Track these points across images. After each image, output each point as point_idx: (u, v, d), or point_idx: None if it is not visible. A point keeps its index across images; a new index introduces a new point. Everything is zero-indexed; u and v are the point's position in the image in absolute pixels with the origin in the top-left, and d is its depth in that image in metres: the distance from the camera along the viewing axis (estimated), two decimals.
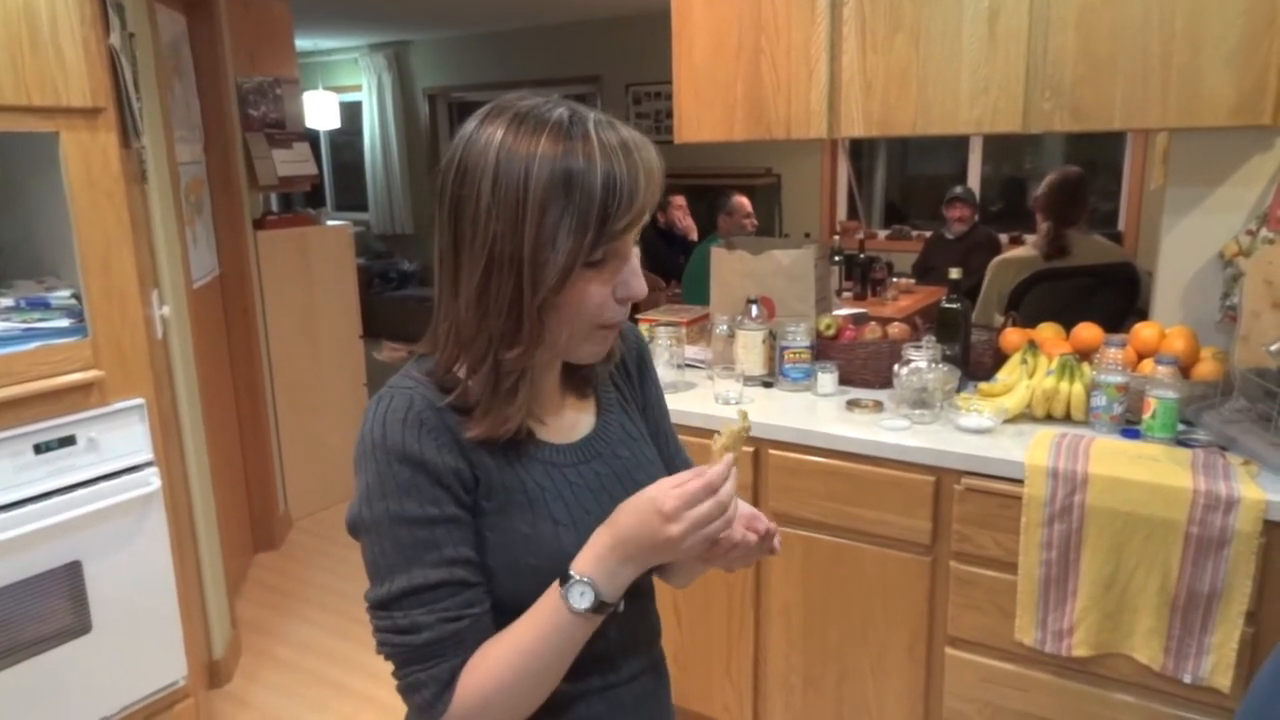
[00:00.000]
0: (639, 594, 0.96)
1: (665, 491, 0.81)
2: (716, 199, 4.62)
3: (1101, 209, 5.22)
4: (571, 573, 0.83)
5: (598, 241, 0.82)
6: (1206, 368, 1.90)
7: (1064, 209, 3.03)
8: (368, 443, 0.85)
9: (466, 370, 0.87)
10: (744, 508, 0.94)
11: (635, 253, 0.89)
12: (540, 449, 0.92)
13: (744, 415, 0.91)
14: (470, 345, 0.85)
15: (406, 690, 0.85)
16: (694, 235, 5.06)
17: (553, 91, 0.89)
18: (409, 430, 0.84)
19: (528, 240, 0.80)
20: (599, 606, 0.83)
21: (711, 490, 0.82)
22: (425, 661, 0.84)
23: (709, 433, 2.05)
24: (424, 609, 0.83)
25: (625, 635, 0.96)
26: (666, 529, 0.80)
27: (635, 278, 0.88)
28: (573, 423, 0.97)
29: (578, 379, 0.99)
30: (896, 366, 2.01)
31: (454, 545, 0.84)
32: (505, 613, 0.87)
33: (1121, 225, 5.16)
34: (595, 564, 0.83)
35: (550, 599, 0.84)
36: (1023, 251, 3.17)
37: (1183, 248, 2.10)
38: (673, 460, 1.09)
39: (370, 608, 0.86)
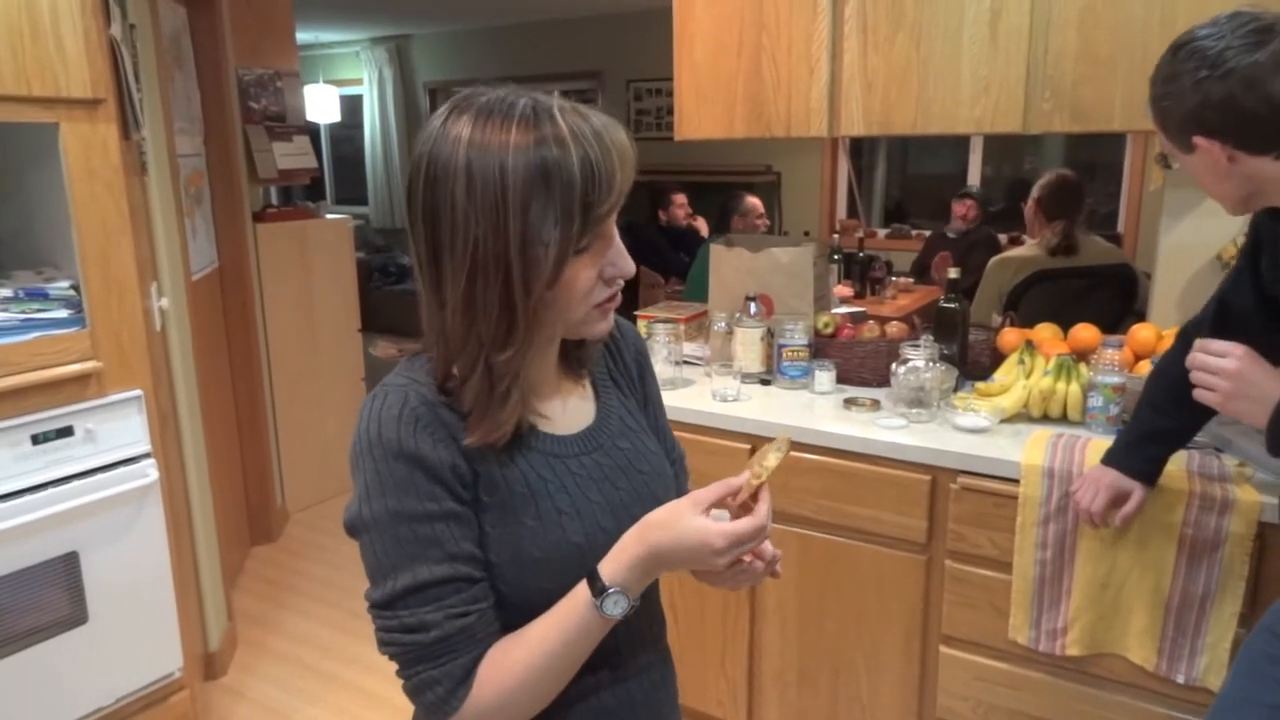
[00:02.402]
0: (646, 591, 0.97)
1: (718, 532, 0.84)
2: (728, 200, 4.57)
3: (1101, 210, 5.22)
4: (605, 582, 0.84)
5: (584, 229, 0.82)
6: None
7: (1069, 208, 3.04)
8: (364, 441, 0.85)
9: (459, 377, 0.87)
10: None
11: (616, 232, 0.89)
12: (541, 441, 0.92)
13: (788, 442, 0.92)
14: (461, 352, 0.85)
15: (416, 689, 0.84)
16: (705, 232, 5.04)
17: (554, 87, 0.89)
18: (404, 426, 0.84)
19: (513, 239, 0.80)
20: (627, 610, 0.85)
21: (761, 530, 0.86)
22: (437, 659, 0.83)
23: (706, 429, 2.07)
24: (431, 606, 0.83)
25: (633, 630, 0.96)
26: (715, 560, 0.85)
27: (621, 257, 0.88)
28: (573, 413, 0.97)
29: (571, 362, 0.99)
30: (894, 365, 2.01)
31: (455, 541, 0.84)
32: (509, 607, 0.87)
33: (1121, 227, 5.16)
34: (627, 573, 0.84)
35: (577, 603, 0.85)
36: (1022, 251, 3.17)
37: (1181, 250, 2.10)
38: (668, 455, 1.09)
39: (373, 608, 0.85)
